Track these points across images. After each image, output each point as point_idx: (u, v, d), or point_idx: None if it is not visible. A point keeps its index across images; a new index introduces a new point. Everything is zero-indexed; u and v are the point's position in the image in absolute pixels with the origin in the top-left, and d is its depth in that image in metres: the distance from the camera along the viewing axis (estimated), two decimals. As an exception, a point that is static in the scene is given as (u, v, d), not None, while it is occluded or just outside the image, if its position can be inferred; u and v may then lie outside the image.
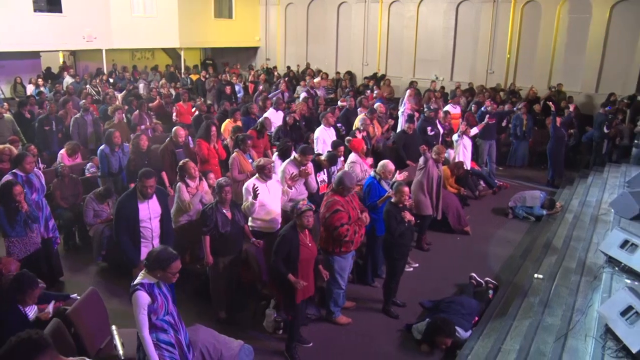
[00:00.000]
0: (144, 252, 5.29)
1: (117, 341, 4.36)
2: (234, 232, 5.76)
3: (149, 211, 5.43)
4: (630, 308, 4.50)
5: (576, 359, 4.74)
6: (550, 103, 11.71)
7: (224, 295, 5.97)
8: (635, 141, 11.80)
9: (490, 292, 6.60)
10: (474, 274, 6.90)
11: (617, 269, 5.90)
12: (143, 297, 3.77)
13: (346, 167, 7.74)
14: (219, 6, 21.39)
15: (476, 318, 5.92)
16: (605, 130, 11.80)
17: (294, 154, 7.11)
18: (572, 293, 6.03)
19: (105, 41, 18.06)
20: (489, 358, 5.16)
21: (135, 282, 3.86)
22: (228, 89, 14.72)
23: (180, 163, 6.64)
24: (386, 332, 5.93)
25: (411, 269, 7.22)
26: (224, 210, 5.71)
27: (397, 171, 6.78)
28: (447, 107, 12.01)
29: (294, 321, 5.35)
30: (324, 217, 5.67)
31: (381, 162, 6.70)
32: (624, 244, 5.93)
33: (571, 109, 12.06)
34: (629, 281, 5.61)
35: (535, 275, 6.79)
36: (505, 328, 5.66)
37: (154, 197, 5.48)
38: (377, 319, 6.18)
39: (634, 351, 4.21)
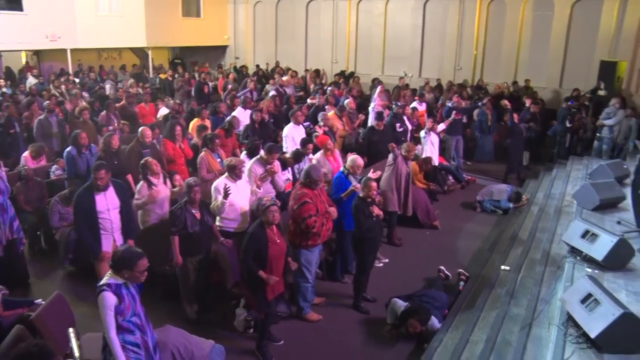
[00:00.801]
0: (105, 243, 5.61)
1: (74, 344, 4.31)
2: (202, 232, 5.76)
3: (107, 202, 5.59)
4: (589, 295, 4.64)
5: (540, 347, 4.87)
6: (507, 101, 11.94)
7: (193, 296, 5.95)
8: (597, 134, 12.10)
9: (462, 283, 6.71)
10: (442, 267, 7.02)
11: (578, 258, 6.07)
12: (109, 298, 3.74)
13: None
14: (186, 5, 21.18)
15: (446, 311, 6.02)
16: (568, 125, 12.08)
17: (261, 153, 7.11)
18: (536, 283, 6.19)
19: (70, 41, 17.71)
20: (457, 349, 5.26)
21: (102, 282, 3.82)
22: (205, 88, 14.65)
23: (142, 161, 6.60)
24: (357, 327, 5.99)
25: (381, 264, 7.29)
26: (193, 211, 5.70)
27: (372, 170, 6.84)
28: (414, 104, 12.12)
29: (266, 319, 5.37)
30: (293, 209, 5.72)
31: (350, 157, 6.78)
32: (585, 234, 6.09)
33: (527, 103, 12.27)
34: (589, 270, 5.77)
35: (502, 267, 6.94)
36: (473, 319, 5.77)
37: (111, 189, 5.65)
38: (347, 314, 6.23)
39: (592, 336, 4.35)
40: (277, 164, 6.87)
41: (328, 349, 5.60)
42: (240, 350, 5.53)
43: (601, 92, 13.41)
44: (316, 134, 9.00)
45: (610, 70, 13.37)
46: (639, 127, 11.68)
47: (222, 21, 22.67)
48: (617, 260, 5.79)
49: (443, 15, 17.19)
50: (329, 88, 14.13)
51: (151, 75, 19.36)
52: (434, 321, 5.68)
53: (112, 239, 5.56)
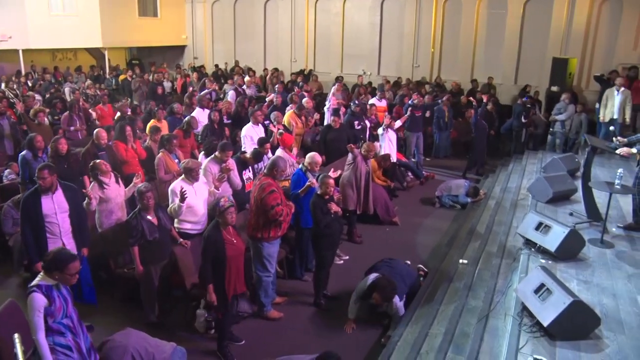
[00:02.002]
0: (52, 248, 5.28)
1: (18, 350, 4.19)
2: (162, 237, 5.70)
3: (54, 206, 5.42)
4: (542, 286, 4.78)
5: (496, 337, 4.98)
6: (471, 98, 12.16)
7: (154, 299, 5.87)
8: (550, 129, 12.46)
9: (421, 278, 6.79)
10: (408, 262, 7.04)
11: (533, 250, 6.24)
12: (39, 299, 3.73)
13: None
14: (143, 4, 20.80)
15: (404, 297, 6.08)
16: (523, 120, 12.38)
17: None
18: (493, 276, 6.33)
19: (22, 41, 17.19)
20: (417, 343, 5.32)
21: (32, 283, 3.81)
22: (160, 89, 14.40)
23: (90, 164, 6.47)
24: (317, 324, 6.01)
25: (341, 261, 7.33)
26: (148, 217, 5.62)
27: (332, 169, 6.86)
28: (372, 100, 12.21)
29: (224, 319, 5.35)
30: (259, 198, 5.72)
31: (309, 154, 6.83)
32: (539, 226, 6.27)
33: (484, 99, 12.52)
34: (543, 261, 5.94)
35: (460, 261, 7.06)
36: (433, 313, 5.85)
37: (60, 192, 5.47)
38: (308, 312, 6.25)
39: (545, 325, 4.48)
40: (231, 162, 6.83)
41: (289, 347, 5.59)
42: (202, 352, 5.49)
43: (554, 88, 13.80)
44: (281, 131, 8.98)
45: (561, 67, 13.75)
46: (589, 122, 12.08)
47: (180, 21, 22.36)
48: (569, 250, 5.97)
49: (400, 13, 17.37)
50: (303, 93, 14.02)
51: (108, 76, 18.92)
52: (397, 300, 5.73)
53: (60, 243, 5.39)
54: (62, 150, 7.49)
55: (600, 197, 7.07)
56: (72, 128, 10.33)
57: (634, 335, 4.53)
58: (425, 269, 7.00)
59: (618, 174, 6.30)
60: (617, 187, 6.23)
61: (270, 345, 5.62)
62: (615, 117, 10.76)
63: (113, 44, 20.03)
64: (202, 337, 5.76)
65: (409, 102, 11.74)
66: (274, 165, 5.82)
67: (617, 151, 6.48)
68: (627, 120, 10.96)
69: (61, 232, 5.48)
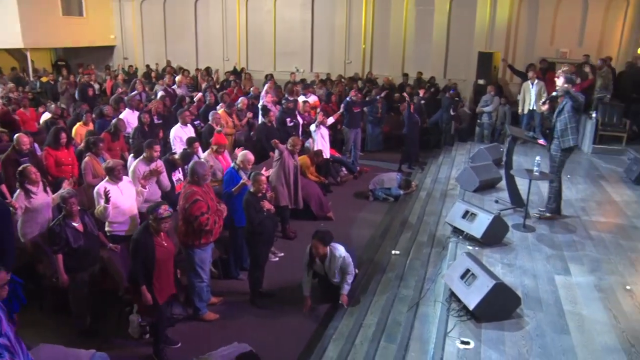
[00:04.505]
0: None
1: None
2: (88, 243, 5.49)
3: None
4: (468, 271, 4.96)
5: (426, 324, 5.14)
6: (404, 93, 12.42)
7: (84, 307, 5.67)
8: (478, 120, 12.91)
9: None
10: None
11: (461, 237, 6.47)
12: None
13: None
14: (66, 3, 19.92)
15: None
16: (452, 113, 12.77)
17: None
18: (423, 264, 6.51)
19: None
20: (351, 334, 5.41)
21: None
22: (90, 91, 13.90)
23: (20, 169, 6.17)
24: (254, 322, 5.97)
25: (277, 258, 7.32)
26: (73, 224, 5.40)
27: (264, 168, 6.83)
28: (301, 97, 12.25)
29: (158, 323, 5.24)
30: (184, 208, 5.60)
31: (241, 152, 6.79)
32: (465, 215, 6.51)
33: (421, 94, 12.83)
34: (470, 247, 6.16)
35: (393, 252, 7.22)
36: (366, 304, 5.96)
37: None
38: (245, 311, 6.19)
39: (471, 308, 4.66)
40: (160, 164, 6.70)
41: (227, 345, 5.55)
42: (137, 357, 5.36)
43: (480, 82, 14.30)
44: (218, 129, 8.85)
45: (487, 61, 14.29)
46: (513, 113, 12.62)
47: (107, 20, 21.62)
48: (494, 236, 6.24)
49: (331, 10, 17.53)
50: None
51: (31, 79, 18.08)
52: (337, 246, 5.90)
53: None
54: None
55: (523, 184, 7.40)
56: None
57: (550, 311, 4.80)
58: (356, 270, 6.98)
59: (536, 161, 6.62)
60: (536, 173, 6.53)
61: (207, 346, 5.52)
62: (533, 108, 11.27)
63: (35, 45, 19.11)
64: (137, 342, 5.60)
65: (348, 98, 11.81)
66: (193, 172, 5.68)
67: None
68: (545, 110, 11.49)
69: None
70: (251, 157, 6.80)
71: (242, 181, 6.35)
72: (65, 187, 6.26)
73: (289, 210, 7.91)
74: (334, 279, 5.96)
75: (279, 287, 6.57)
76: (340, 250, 5.91)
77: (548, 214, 7.12)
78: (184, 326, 5.87)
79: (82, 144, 8.43)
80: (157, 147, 6.83)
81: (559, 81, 6.72)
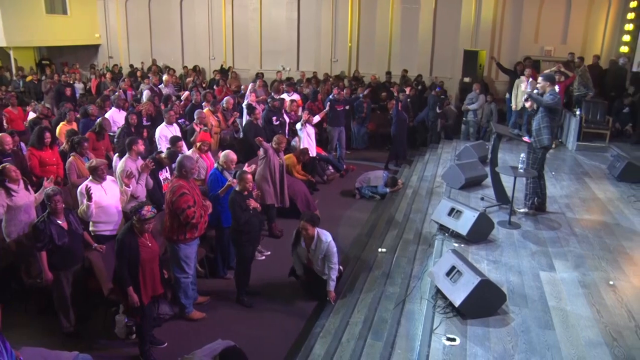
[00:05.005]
0: None
1: None
2: (72, 242, 5.46)
3: None
4: (453, 268, 4.98)
5: (412, 321, 5.15)
6: (394, 90, 12.45)
7: (70, 308, 5.63)
8: (464, 118, 12.97)
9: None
10: None
11: (446, 234, 6.50)
12: None
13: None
14: (50, 1, 19.66)
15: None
16: (438, 110, 12.80)
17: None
18: (410, 262, 6.52)
19: None
20: (337, 332, 5.40)
21: None
22: (68, 91, 13.74)
23: None
24: (241, 321, 5.96)
25: (263, 257, 7.32)
26: (58, 222, 5.37)
27: (246, 164, 6.81)
28: (283, 95, 12.22)
29: (143, 323, 5.21)
30: (170, 201, 5.61)
31: (223, 153, 6.75)
32: (451, 212, 6.53)
33: (408, 92, 12.85)
34: (456, 245, 6.19)
35: (379, 250, 7.21)
36: (353, 302, 5.95)
37: None
38: (231, 309, 6.19)
39: (456, 305, 4.67)
40: (139, 162, 6.68)
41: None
42: (123, 358, 5.34)
43: (466, 80, 14.38)
44: (202, 128, 8.82)
45: (472, 59, 14.35)
46: (499, 111, 12.69)
47: (92, 19, 21.36)
48: (479, 233, 6.27)
49: (317, 8, 17.50)
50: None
51: (14, 78, 17.85)
52: (325, 233, 6.02)
53: None
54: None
55: (508, 182, 7.44)
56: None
57: (535, 307, 4.84)
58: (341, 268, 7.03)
59: (521, 158, 6.67)
60: (521, 170, 6.58)
61: (194, 345, 5.49)
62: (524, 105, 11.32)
63: (18, 43, 18.82)
64: (123, 343, 5.56)
65: (330, 96, 11.82)
66: (181, 166, 5.70)
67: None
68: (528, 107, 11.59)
69: None
70: (234, 156, 6.77)
71: (228, 182, 6.31)
72: (46, 186, 6.21)
73: (275, 208, 7.91)
74: (317, 267, 6.05)
75: (266, 286, 6.59)
76: (327, 236, 6.03)
77: (527, 210, 7.21)
78: (171, 326, 5.84)
79: (65, 144, 8.37)
80: (141, 141, 6.84)
81: (539, 80, 6.82)
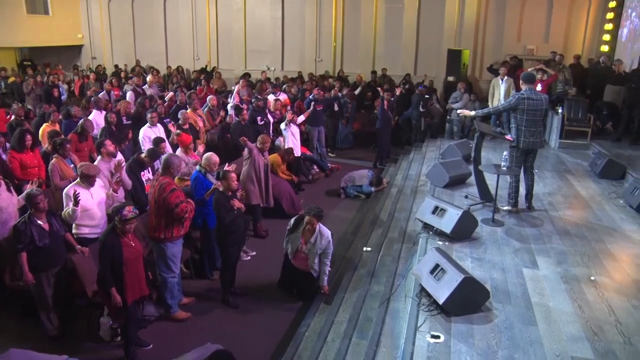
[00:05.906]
0: None
1: None
2: (53, 243, 5.39)
3: None
4: (437, 266, 5.02)
5: (397, 319, 5.18)
6: (380, 88, 12.47)
7: (49, 308, 5.56)
8: (448, 117, 13.05)
9: None
10: None
11: (431, 233, 6.53)
12: None
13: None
14: (31, 1, 19.45)
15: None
16: (422, 109, 12.86)
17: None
18: (394, 260, 6.56)
19: None
20: (323, 331, 5.43)
21: None
22: (55, 92, 13.60)
23: None
24: (227, 322, 5.95)
25: (248, 257, 7.30)
26: (39, 222, 5.31)
27: (227, 164, 6.79)
28: (270, 96, 12.21)
29: (127, 325, 5.17)
30: (161, 198, 5.57)
31: (205, 155, 6.69)
32: (435, 210, 6.57)
33: (397, 92, 12.83)
34: (440, 243, 6.22)
35: (364, 249, 7.25)
36: (338, 301, 5.98)
37: None
38: (217, 310, 6.16)
39: (440, 303, 4.71)
40: (120, 157, 6.66)
41: (199, 346, 5.50)
42: (109, 360, 5.29)
43: (450, 79, 14.47)
44: (178, 132, 8.77)
45: (456, 58, 14.47)
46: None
47: (75, 19, 21.15)
48: (463, 231, 6.31)
49: (301, 7, 17.51)
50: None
51: (-4, 79, 17.59)
52: (326, 229, 6.08)
53: None
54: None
55: (492, 179, 7.50)
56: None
57: (518, 304, 4.89)
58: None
59: (503, 156, 6.72)
60: (504, 168, 6.63)
61: (179, 345, 5.48)
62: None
63: (-1, 44, 18.65)
64: (108, 345, 5.52)
65: (310, 96, 11.81)
66: (169, 164, 5.70)
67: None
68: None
69: None
70: (216, 158, 6.70)
71: (214, 186, 6.26)
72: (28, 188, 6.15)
73: (260, 208, 7.90)
74: (310, 261, 6.06)
75: (251, 286, 6.57)
76: (328, 233, 6.09)
77: (510, 207, 7.29)
78: (156, 327, 5.79)
79: (48, 145, 8.29)
80: (108, 142, 6.85)
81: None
